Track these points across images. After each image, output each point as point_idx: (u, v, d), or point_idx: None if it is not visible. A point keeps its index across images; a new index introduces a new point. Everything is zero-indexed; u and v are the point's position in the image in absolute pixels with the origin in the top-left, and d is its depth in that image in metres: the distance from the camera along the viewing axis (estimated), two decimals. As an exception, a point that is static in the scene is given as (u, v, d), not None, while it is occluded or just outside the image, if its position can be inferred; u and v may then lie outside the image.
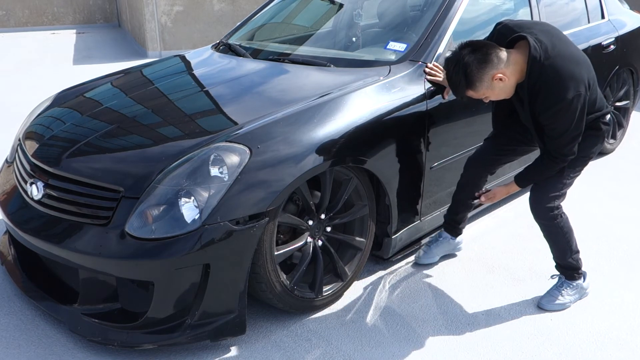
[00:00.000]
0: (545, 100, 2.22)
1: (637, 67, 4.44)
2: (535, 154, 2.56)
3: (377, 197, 2.69)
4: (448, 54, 2.38)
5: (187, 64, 3.42)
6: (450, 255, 3.05)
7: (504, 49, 2.26)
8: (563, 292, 2.60)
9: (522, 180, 2.54)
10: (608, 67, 4.05)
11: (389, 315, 2.56)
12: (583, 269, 2.63)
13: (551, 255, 2.61)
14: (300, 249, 2.47)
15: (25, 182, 2.52)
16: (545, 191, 2.47)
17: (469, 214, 2.96)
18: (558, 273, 2.65)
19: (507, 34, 2.34)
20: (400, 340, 2.40)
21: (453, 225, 2.91)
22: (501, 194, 2.66)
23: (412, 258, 3.01)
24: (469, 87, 2.26)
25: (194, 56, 3.56)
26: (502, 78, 2.23)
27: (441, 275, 2.88)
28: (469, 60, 2.20)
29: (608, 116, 2.44)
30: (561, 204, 2.50)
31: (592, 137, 2.42)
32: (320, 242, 2.54)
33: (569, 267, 2.59)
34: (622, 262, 2.97)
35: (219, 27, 9.39)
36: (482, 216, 3.42)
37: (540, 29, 2.34)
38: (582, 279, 2.64)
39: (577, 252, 2.58)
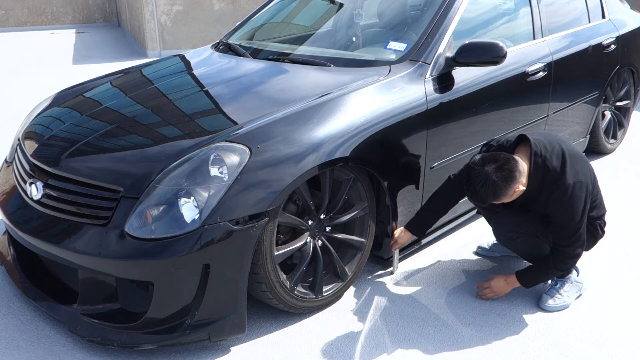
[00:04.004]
0: (554, 192, 2.36)
1: (637, 66, 4.44)
2: None
3: (377, 197, 2.69)
4: (475, 158, 2.39)
5: (187, 63, 3.42)
6: (450, 256, 3.04)
7: (519, 159, 2.35)
8: (560, 290, 2.61)
9: (526, 280, 2.57)
10: (609, 67, 4.05)
11: (389, 315, 2.56)
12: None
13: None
14: (300, 249, 2.47)
15: (25, 182, 2.52)
16: (509, 222, 2.54)
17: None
18: None
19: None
20: (400, 340, 2.40)
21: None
22: (502, 289, 2.64)
23: (412, 258, 3.01)
24: (494, 200, 2.36)
25: (194, 56, 3.56)
26: (522, 189, 2.37)
27: (441, 275, 2.87)
28: (496, 180, 2.28)
29: (605, 222, 2.62)
30: (523, 234, 2.52)
31: (587, 233, 2.52)
32: (320, 242, 2.54)
33: None
34: (622, 262, 2.97)
35: (218, 27, 9.39)
36: (481, 217, 3.41)
37: (538, 134, 2.51)
38: (575, 272, 2.66)
39: None
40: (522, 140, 2.45)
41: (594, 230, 2.58)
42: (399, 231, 2.73)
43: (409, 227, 2.72)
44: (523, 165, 2.35)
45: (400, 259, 2.96)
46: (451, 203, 2.72)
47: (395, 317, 2.55)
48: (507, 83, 3.12)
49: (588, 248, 2.65)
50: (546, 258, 2.51)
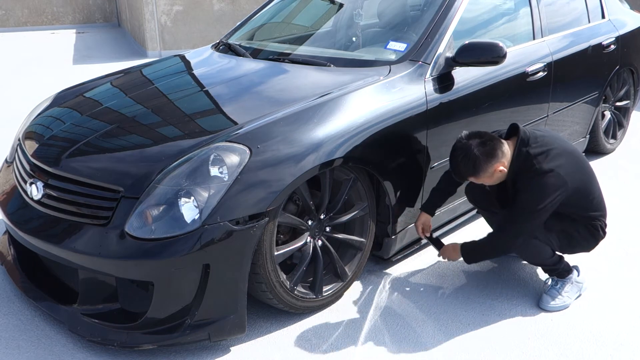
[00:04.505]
0: (527, 176, 2.39)
1: (637, 66, 4.44)
2: None
3: (377, 197, 2.69)
4: (459, 136, 2.46)
5: (187, 63, 3.42)
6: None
7: (505, 142, 2.44)
8: (561, 290, 2.61)
9: (467, 253, 2.61)
10: (608, 67, 4.05)
11: (389, 315, 2.56)
12: (571, 263, 2.66)
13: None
14: (300, 249, 2.47)
15: (25, 182, 2.52)
16: (513, 223, 2.49)
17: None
18: (548, 276, 2.68)
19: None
20: (400, 340, 2.40)
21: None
22: (451, 255, 2.72)
23: (412, 258, 3.01)
24: (473, 175, 2.43)
25: (194, 56, 3.56)
26: (502, 170, 2.41)
27: (441, 275, 2.88)
28: (477, 154, 2.35)
29: (606, 224, 2.60)
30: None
31: (587, 233, 2.55)
32: (320, 242, 2.54)
33: (552, 269, 2.61)
34: (622, 262, 2.97)
35: (218, 27, 9.39)
36: (481, 217, 3.41)
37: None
38: (576, 272, 2.66)
39: (552, 254, 2.57)
40: (514, 129, 2.49)
41: (594, 230, 2.57)
42: (418, 216, 2.79)
43: (423, 207, 2.79)
44: (507, 148, 2.41)
45: (401, 258, 2.96)
46: (459, 182, 2.75)
47: (395, 317, 2.55)
48: (507, 83, 3.12)
49: (590, 249, 2.64)
50: (489, 235, 2.56)
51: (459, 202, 3.06)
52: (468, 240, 2.64)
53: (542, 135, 2.47)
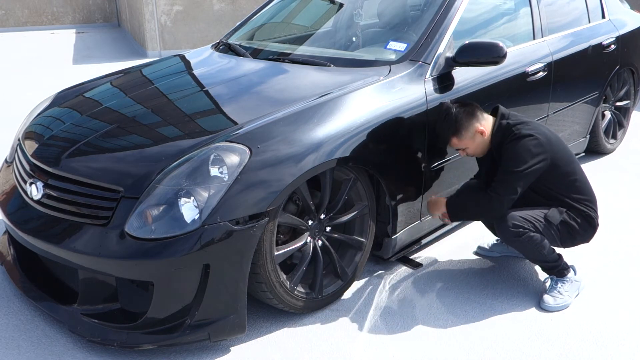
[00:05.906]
0: (507, 142, 2.53)
1: (637, 66, 4.44)
2: None
3: (377, 197, 2.69)
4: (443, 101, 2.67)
5: (187, 63, 3.42)
6: (450, 256, 3.05)
7: (484, 111, 2.63)
8: (560, 289, 2.61)
9: (452, 209, 2.65)
10: (609, 67, 4.05)
11: (389, 315, 2.56)
12: (569, 262, 2.67)
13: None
14: (300, 249, 2.47)
15: (25, 182, 2.52)
16: (514, 216, 2.52)
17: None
18: (547, 275, 2.68)
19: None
20: (400, 340, 2.40)
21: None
22: (434, 207, 2.75)
23: (412, 258, 3.01)
24: (455, 133, 2.58)
25: (194, 56, 3.56)
26: (482, 132, 2.57)
27: (441, 275, 2.88)
28: (458, 111, 2.56)
29: (598, 214, 2.64)
30: (529, 231, 2.51)
31: (585, 222, 2.59)
32: (320, 242, 2.54)
33: (552, 267, 2.62)
34: (622, 262, 2.97)
35: (218, 27, 9.39)
36: (482, 216, 3.41)
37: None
38: (572, 271, 2.66)
39: (552, 251, 2.59)
40: (495, 109, 2.66)
41: (590, 219, 2.60)
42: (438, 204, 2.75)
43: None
44: (487, 116, 2.61)
45: (402, 259, 2.96)
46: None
47: (395, 317, 2.55)
48: (507, 83, 3.12)
49: (588, 239, 2.66)
50: (476, 193, 2.65)
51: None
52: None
53: (521, 115, 2.66)
